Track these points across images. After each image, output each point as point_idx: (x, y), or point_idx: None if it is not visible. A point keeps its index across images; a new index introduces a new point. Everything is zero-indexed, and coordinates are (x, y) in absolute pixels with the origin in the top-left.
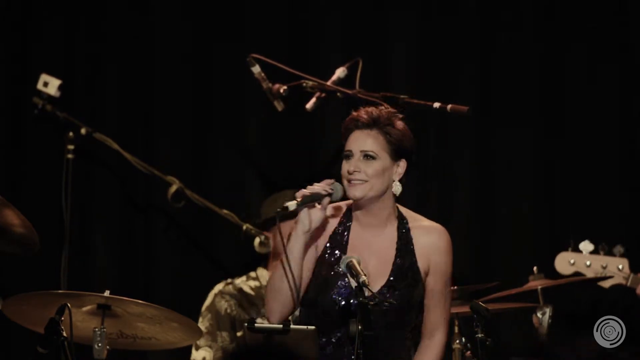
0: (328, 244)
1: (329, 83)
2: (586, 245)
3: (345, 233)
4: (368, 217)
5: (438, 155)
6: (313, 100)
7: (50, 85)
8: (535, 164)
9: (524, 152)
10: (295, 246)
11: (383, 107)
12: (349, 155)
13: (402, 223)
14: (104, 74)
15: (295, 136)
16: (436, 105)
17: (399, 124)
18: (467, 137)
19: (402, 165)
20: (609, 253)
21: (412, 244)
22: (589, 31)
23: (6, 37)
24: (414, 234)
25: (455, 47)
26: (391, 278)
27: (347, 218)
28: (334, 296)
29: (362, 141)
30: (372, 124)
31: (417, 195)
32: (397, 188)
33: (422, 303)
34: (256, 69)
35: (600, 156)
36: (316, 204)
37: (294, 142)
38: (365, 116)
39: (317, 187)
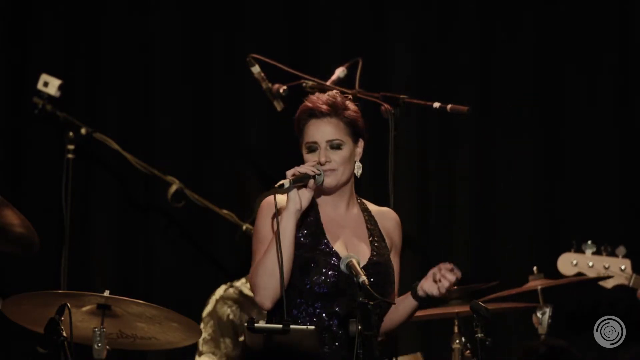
0: (301, 227)
1: (328, 83)
2: (589, 246)
3: (313, 215)
4: (334, 199)
5: (438, 155)
6: None
7: (50, 85)
8: (535, 164)
9: (524, 151)
10: (288, 226)
11: (333, 92)
12: (313, 147)
13: (363, 206)
14: (104, 74)
15: (295, 136)
16: (436, 105)
17: (352, 105)
18: (467, 137)
19: (361, 145)
20: (612, 254)
21: (378, 225)
22: (588, 30)
23: (6, 37)
24: (375, 216)
25: (455, 47)
26: (372, 250)
27: (310, 203)
28: (319, 277)
29: (324, 131)
30: (331, 111)
31: (417, 195)
32: (358, 169)
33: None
34: (256, 68)
35: (602, 155)
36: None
37: (294, 142)
38: (323, 106)
39: (306, 168)
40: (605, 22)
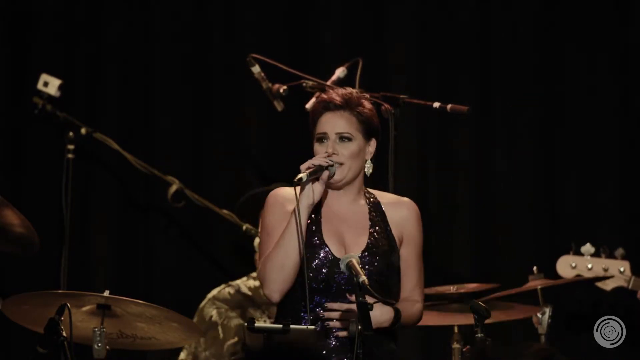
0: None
1: (328, 83)
2: (587, 248)
3: (315, 208)
4: (339, 194)
5: (438, 155)
6: (313, 100)
7: (50, 85)
8: (535, 164)
9: (524, 151)
10: (300, 220)
11: (350, 88)
12: (323, 138)
13: (370, 198)
14: (104, 74)
15: (295, 136)
16: (436, 105)
17: (368, 104)
18: (467, 137)
19: (373, 144)
20: (610, 256)
21: (385, 215)
22: (588, 28)
23: (6, 37)
24: (384, 207)
25: (455, 47)
26: (369, 240)
27: None
28: (311, 272)
29: (335, 123)
30: (345, 105)
31: (417, 194)
32: (368, 168)
33: (400, 270)
34: (256, 68)
35: (601, 155)
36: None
37: (294, 142)
38: (337, 98)
39: (318, 160)
40: (605, 22)
